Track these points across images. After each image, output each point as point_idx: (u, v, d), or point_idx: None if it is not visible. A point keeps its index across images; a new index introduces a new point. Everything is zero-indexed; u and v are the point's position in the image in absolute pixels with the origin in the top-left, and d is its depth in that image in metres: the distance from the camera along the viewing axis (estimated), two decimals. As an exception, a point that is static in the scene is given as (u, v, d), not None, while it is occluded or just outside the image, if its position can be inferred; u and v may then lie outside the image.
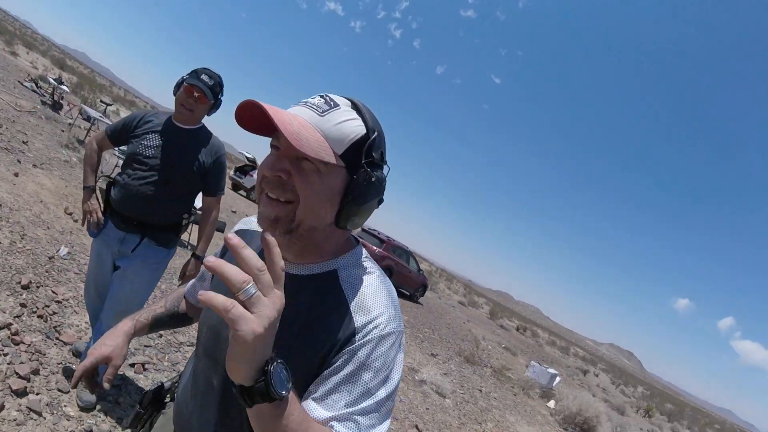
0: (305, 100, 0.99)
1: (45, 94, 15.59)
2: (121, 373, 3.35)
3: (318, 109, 0.96)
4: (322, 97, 0.98)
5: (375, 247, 15.82)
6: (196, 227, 6.97)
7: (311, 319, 0.99)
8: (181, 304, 1.42)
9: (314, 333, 0.98)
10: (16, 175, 6.32)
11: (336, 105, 0.97)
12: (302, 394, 0.96)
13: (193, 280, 1.45)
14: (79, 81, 26.67)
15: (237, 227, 1.29)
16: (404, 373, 7.11)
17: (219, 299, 0.65)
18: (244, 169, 23.78)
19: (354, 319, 0.97)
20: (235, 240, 0.69)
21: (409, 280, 17.26)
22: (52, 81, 16.08)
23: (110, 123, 11.03)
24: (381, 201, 1.07)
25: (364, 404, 0.91)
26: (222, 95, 2.83)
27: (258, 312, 0.68)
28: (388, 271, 15.82)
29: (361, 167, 0.98)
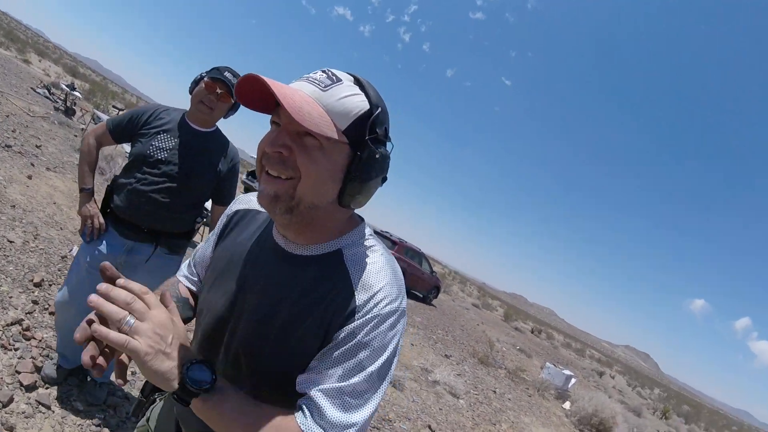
0: (307, 75, 0.97)
1: (58, 100, 15.75)
2: (132, 370, 3.33)
3: (320, 83, 0.94)
4: (324, 71, 0.96)
5: (387, 249, 15.77)
6: (206, 229, 6.84)
7: (317, 297, 0.99)
8: (180, 288, 1.31)
9: (319, 310, 0.98)
10: (30, 177, 6.37)
11: (339, 80, 0.95)
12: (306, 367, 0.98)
13: (184, 264, 1.38)
14: (91, 88, 26.91)
15: (235, 206, 1.29)
16: (417, 373, 7.06)
17: (111, 336, 0.76)
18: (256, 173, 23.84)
19: (356, 296, 0.96)
20: (102, 288, 0.80)
21: (421, 282, 17.16)
22: (64, 87, 16.19)
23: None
24: (385, 179, 1.05)
25: (354, 380, 0.91)
26: None
27: (141, 337, 0.78)
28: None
29: (365, 143, 0.95)
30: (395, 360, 0.99)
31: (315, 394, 0.91)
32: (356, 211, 1.11)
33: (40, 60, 29.01)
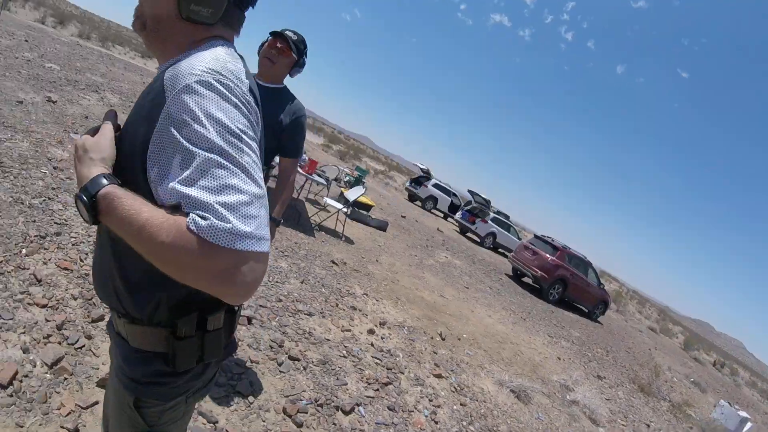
0: None
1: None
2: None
3: None
4: None
5: (548, 255, 14.70)
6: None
7: (146, 93, 1.05)
8: None
9: (145, 104, 1.01)
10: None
11: None
12: None
13: None
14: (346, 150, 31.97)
15: None
16: (553, 388, 6.38)
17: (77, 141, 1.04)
18: (419, 180, 24.46)
19: (164, 77, 0.98)
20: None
21: (586, 294, 15.49)
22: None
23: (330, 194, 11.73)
24: None
25: (204, 157, 0.87)
26: (306, 56, 2.81)
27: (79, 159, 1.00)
28: (562, 282, 14.66)
29: None
30: (238, 126, 0.93)
31: (173, 187, 0.87)
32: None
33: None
